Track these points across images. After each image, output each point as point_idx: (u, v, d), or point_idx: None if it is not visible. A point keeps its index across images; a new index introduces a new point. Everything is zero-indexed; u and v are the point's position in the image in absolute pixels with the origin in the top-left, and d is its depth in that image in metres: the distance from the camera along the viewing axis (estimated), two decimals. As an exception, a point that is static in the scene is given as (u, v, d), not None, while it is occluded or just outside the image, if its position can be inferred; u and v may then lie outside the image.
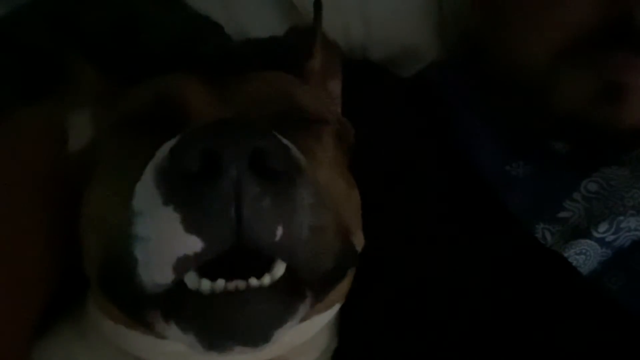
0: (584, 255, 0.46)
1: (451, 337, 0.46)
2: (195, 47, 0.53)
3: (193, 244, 0.29)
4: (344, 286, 0.42)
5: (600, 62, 0.48)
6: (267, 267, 0.31)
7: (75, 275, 0.41)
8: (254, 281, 0.30)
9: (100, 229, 0.36)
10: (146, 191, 0.30)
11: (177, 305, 0.31)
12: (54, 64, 0.48)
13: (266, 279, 0.30)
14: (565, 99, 0.50)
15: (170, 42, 0.53)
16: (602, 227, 0.45)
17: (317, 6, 0.50)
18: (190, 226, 0.29)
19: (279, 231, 0.30)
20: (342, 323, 0.46)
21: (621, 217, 0.45)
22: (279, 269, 0.31)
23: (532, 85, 0.52)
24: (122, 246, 0.31)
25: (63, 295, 0.44)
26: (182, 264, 0.29)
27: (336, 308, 0.44)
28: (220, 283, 0.30)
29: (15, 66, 0.51)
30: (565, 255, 0.46)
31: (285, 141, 0.31)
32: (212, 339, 0.30)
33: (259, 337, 0.31)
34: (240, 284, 0.30)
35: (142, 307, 0.33)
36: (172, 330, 0.31)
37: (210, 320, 0.30)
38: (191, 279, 0.30)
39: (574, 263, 0.46)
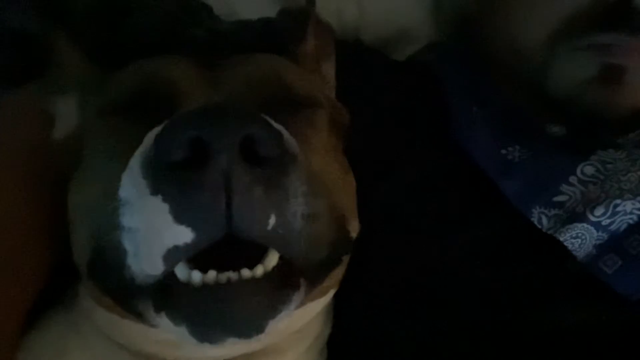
0: (580, 239, 0.45)
1: (444, 321, 0.46)
2: (185, 29, 0.52)
3: (183, 235, 0.28)
4: (338, 273, 0.41)
5: (597, 44, 0.48)
6: (260, 257, 0.30)
7: (67, 265, 0.40)
8: (246, 272, 0.29)
9: (88, 218, 0.35)
10: (133, 181, 0.30)
11: (168, 297, 0.30)
12: (40, 47, 0.47)
13: (259, 270, 0.30)
14: (562, 82, 0.50)
15: (159, 24, 0.52)
16: (599, 210, 0.45)
17: (310, -13, 0.49)
18: (180, 217, 0.28)
19: (272, 221, 0.29)
20: (336, 309, 0.46)
21: (618, 201, 0.45)
22: (272, 258, 0.31)
23: (528, 67, 0.51)
24: (110, 237, 0.31)
25: (54, 285, 0.43)
26: (172, 255, 0.29)
27: (330, 294, 0.43)
28: (212, 275, 0.29)
29: (0, 49, 0.50)
30: (561, 239, 0.45)
31: (277, 126, 0.30)
32: (205, 331, 0.30)
33: (253, 328, 0.30)
34: (232, 275, 0.29)
35: (133, 297, 0.32)
36: (164, 321, 0.31)
37: (202, 312, 0.29)
38: (182, 271, 0.30)
39: (570, 247, 0.45)
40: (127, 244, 0.30)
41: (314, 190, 0.31)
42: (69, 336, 0.41)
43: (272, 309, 0.30)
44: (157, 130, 0.30)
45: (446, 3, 0.65)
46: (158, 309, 0.31)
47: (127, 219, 0.30)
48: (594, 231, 0.45)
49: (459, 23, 0.62)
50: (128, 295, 0.32)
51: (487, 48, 0.56)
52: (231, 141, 0.27)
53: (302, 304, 0.35)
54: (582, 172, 0.47)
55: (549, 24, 0.50)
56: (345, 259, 0.41)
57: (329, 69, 0.52)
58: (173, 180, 0.28)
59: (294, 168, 0.30)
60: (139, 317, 0.33)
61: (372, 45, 0.65)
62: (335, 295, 0.44)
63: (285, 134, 0.31)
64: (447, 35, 0.65)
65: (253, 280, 0.29)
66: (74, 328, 0.41)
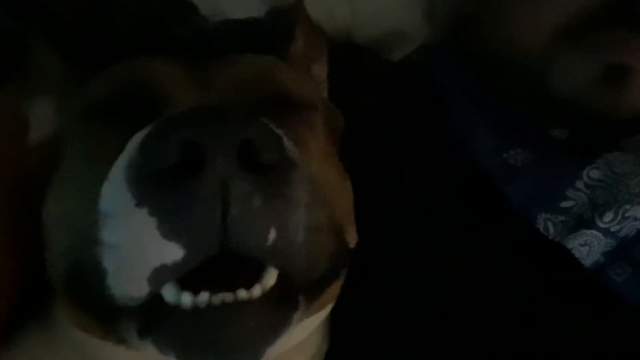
0: (588, 246, 0.44)
1: (447, 332, 0.44)
2: (171, 28, 0.50)
3: (172, 252, 0.25)
4: (336, 287, 0.39)
5: (601, 43, 0.47)
6: (257, 274, 0.28)
7: (42, 278, 0.37)
8: (242, 293, 0.27)
9: (64, 230, 0.32)
10: (115, 191, 0.27)
11: (154, 321, 0.28)
12: (15, 48, 0.45)
13: (256, 290, 0.27)
14: (565, 83, 0.49)
15: (144, 24, 0.50)
16: (608, 216, 0.44)
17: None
18: (169, 232, 0.25)
19: (272, 234, 0.26)
20: (334, 324, 0.44)
21: (627, 206, 0.44)
22: (270, 276, 0.28)
23: (530, 68, 0.50)
24: (89, 253, 0.28)
25: (29, 300, 0.41)
26: (160, 275, 0.26)
27: (328, 309, 0.41)
28: (204, 297, 0.26)
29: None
30: (569, 247, 0.44)
31: (277, 130, 0.28)
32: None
33: (250, 355, 0.28)
34: (227, 297, 0.26)
35: (113, 320, 0.29)
36: (149, 348, 0.28)
37: (192, 338, 0.27)
38: (170, 292, 0.27)
39: (577, 255, 0.44)
40: (107, 262, 0.27)
41: (316, 200, 0.29)
42: (43, 352, 0.39)
43: (272, 334, 0.28)
44: (142, 133, 0.27)
45: (440, 3, 0.64)
46: (143, 334, 0.28)
47: (108, 234, 0.27)
48: (603, 238, 0.44)
49: (454, 23, 0.61)
50: (108, 318, 0.30)
51: (485, 49, 0.55)
52: (228, 145, 0.25)
53: (299, 320, 0.32)
54: (589, 176, 0.46)
55: (550, 22, 0.49)
56: (344, 272, 0.39)
57: (321, 70, 0.51)
58: (161, 189, 0.25)
59: (296, 176, 0.27)
60: (121, 341, 0.31)
61: (364, 46, 0.63)
62: (333, 310, 0.42)
63: (285, 138, 0.28)
64: (441, 37, 0.63)
65: (250, 301, 0.27)
66: (48, 344, 0.39)
